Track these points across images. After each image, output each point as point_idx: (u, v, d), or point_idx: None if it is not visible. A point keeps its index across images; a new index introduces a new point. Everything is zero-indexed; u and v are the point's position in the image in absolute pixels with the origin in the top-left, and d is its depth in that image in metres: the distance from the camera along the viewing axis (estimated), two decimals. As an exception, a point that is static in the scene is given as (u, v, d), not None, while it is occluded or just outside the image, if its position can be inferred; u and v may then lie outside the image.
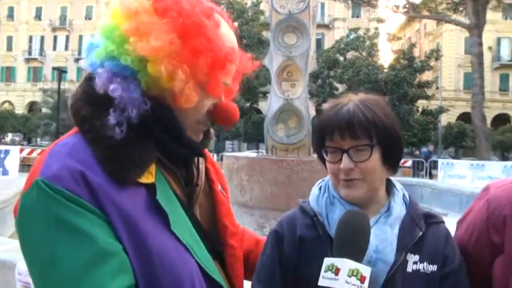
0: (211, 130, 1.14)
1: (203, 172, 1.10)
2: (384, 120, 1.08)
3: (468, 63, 28.24)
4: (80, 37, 46.34)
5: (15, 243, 3.33)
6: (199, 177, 1.08)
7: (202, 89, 0.97)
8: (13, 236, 4.86)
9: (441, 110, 30.79)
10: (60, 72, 28.12)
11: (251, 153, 10.90)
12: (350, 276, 0.90)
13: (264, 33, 30.73)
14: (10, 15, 48.98)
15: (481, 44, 21.71)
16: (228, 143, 36.05)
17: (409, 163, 19.68)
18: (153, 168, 0.95)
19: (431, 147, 24.66)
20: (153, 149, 0.95)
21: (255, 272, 1.17)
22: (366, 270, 0.92)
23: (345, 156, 1.07)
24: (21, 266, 2.58)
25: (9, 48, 48.93)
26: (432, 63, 31.17)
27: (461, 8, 25.05)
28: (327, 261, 0.94)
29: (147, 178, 0.93)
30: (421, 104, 31.20)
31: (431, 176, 17.72)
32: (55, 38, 48.78)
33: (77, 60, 45.48)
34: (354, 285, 0.90)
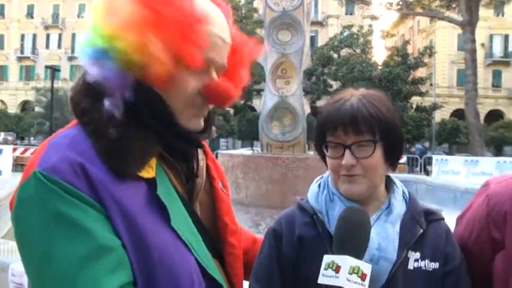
0: (213, 128, 1.11)
1: (204, 169, 1.08)
2: (387, 116, 1.07)
3: (461, 60, 28.40)
4: (73, 35, 46.07)
5: (9, 244, 3.30)
6: (199, 172, 1.06)
7: (179, 62, 0.92)
8: (6, 236, 4.82)
9: (435, 107, 30.91)
10: (53, 71, 27.94)
11: (246, 151, 10.87)
12: (351, 274, 0.89)
13: (258, 30, 30.69)
14: (1, 13, 48.52)
15: (474, 41, 21.82)
16: (222, 141, 36.01)
17: (404, 159, 19.77)
18: (153, 162, 0.93)
19: (426, 144, 24.76)
20: (154, 143, 0.93)
21: (252, 271, 1.15)
22: (366, 268, 0.90)
23: (347, 151, 1.05)
24: (15, 267, 2.55)
25: (1, 46, 48.48)
26: (426, 60, 31.25)
27: (454, 5, 25.19)
28: (327, 258, 0.93)
29: (148, 172, 0.91)
30: (415, 100, 31.30)
31: (426, 172, 17.76)
32: (48, 36, 48.41)
33: (70, 58, 45.26)
34: (355, 282, 0.88)
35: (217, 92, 0.98)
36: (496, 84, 42.83)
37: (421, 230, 1.09)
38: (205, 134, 1.06)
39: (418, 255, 1.07)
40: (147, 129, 0.93)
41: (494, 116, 39.99)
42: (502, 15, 41.70)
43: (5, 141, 29.74)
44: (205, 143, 1.16)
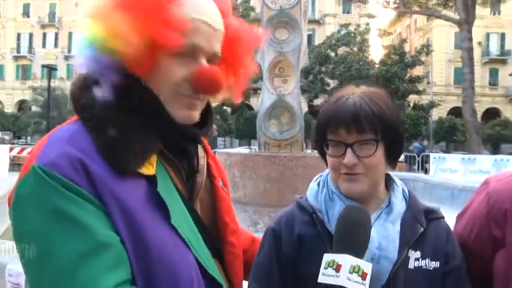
0: (214, 126, 1.10)
1: (204, 167, 1.07)
2: (388, 114, 1.06)
3: (458, 58, 28.43)
4: (70, 34, 45.88)
5: (6, 244, 3.28)
6: (200, 170, 1.05)
7: (154, 46, 0.90)
8: (3, 236, 4.80)
9: (432, 105, 30.97)
10: (50, 70, 27.85)
11: (244, 150, 10.87)
12: (351, 273, 0.88)
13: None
14: (-4, 12, 48.39)
15: (471, 39, 21.84)
16: (219, 140, 35.98)
17: (402, 157, 19.75)
18: (154, 159, 0.92)
19: (425, 142, 24.80)
20: (154, 140, 0.92)
21: (251, 271, 1.15)
22: (367, 267, 0.90)
23: (349, 150, 1.04)
24: (12, 267, 2.53)
25: (-3, 45, 48.37)
26: (423, 58, 31.32)
27: (451, 4, 25.21)
28: (327, 257, 0.92)
29: (148, 169, 0.90)
30: (412, 99, 31.33)
31: (425, 171, 17.73)
32: (44, 35, 48.22)
33: (67, 57, 45.10)
34: (355, 282, 0.88)
35: (203, 77, 0.94)
36: (493, 82, 42.92)
37: (422, 229, 1.09)
38: (204, 129, 1.04)
39: (418, 254, 1.06)
40: (147, 126, 0.92)
41: (491, 114, 40.07)
42: (499, 14, 41.76)
43: (2, 141, 29.60)
44: (206, 140, 1.15)
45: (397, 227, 1.07)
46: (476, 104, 23.80)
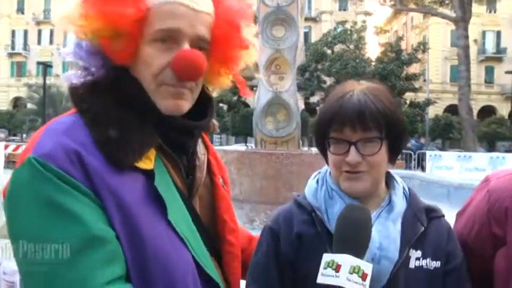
0: (215, 122, 1.07)
1: (205, 163, 1.04)
2: (392, 110, 1.04)
3: (454, 56, 28.44)
4: (65, 31, 45.61)
5: (0, 242, 3.25)
6: (200, 166, 1.02)
7: (118, 32, 0.88)
8: (-2, 234, 4.76)
9: (428, 103, 31.01)
10: (45, 67, 27.68)
11: (240, 147, 10.85)
12: (351, 273, 0.86)
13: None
14: (-9, 9, 48.05)
15: (467, 37, 21.90)
16: (215, 137, 35.93)
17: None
18: (152, 154, 0.91)
19: (422, 140, 24.83)
20: (153, 134, 0.91)
21: (248, 270, 1.12)
22: (367, 267, 0.88)
23: (352, 148, 1.01)
24: (6, 265, 2.51)
25: (-9, 42, 48.04)
26: (419, 56, 31.35)
27: (447, 1, 25.24)
28: (327, 257, 0.90)
29: (146, 164, 0.89)
30: (409, 96, 31.38)
31: (422, 168, 17.71)
32: (39, 32, 47.89)
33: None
34: (355, 282, 0.86)
35: (181, 60, 0.89)
36: (489, 80, 43.06)
37: (422, 228, 1.07)
38: (204, 121, 1.01)
39: (419, 253, 1.05)
40: (145, 120, 0.91)
41: (487, 111, 40.20)
42: (495, 12, 41.90)
43: (-3, 138, 29.42)
44: (207, 137, 1.12)
45: (398, 226, 1.05)
46: (472, 102, 23.89)
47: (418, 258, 1.04)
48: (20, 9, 47.93)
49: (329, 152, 1.07)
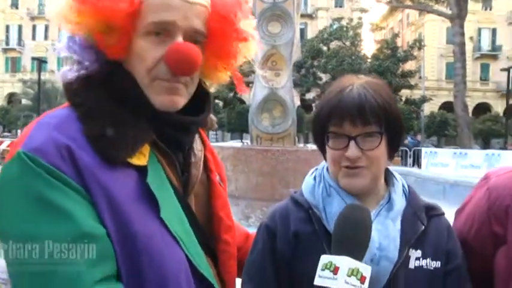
0: (213, 117, 1.04)
1: (201, 160, 1.02)
2: (391, 105, 1.02)
3: (450, 53, 28.56)
4: (60, 26, 45.38)
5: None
6: (196, 163, 1.00)
7: (111, 27, 0.86)
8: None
9: (424, 100, 31.11)
10: (40, 63, 27.58)
11: (236, 143, 10.83)
12: (349, 276, 0.84)
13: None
14: (-16, 4, 47.67)
15: (463, 34, 21.94)
16: (211, 133, 35.87)
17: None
18: (146, 150, 0.88)
19: (418, 137, 24.88)
20: (147, 129, 0.88)
21: (244, 268, 1.10)
22: (366, 270, 0.85)
23: (352, 143, 0.99)
24: (0, 262, 2.48)
25: (-15, 38, 47.70)
26: (415, 53, 31.40)
27: (443, -2, 25.27)
28: (324, 258, 0.87)
29: (139, 160, 0.86)
30: (404, 93, 31.44)
31: (419, 165, 17.71)
32: (34, 27, 47.61)
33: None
34: (353, 285, 0.83)
35: (173, 53, 0.87)
36: (484, 77, 43.21)
37: (423, 227, 1.05)
38: (201, 116, 0.98)
39: (419, 253, 1.03)
40: (139, 115, 0.88)
41: (482, 109, 40.32)
42: (490, 9, 41.98)
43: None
44: (204, 133, 1.10)
45: (398, 225, 1.03)
46: (467, 99, 23.97)
47: (418, 258, 1.02)
48: (14, 4, 47.60)
49: (328, 147, 1.04)
